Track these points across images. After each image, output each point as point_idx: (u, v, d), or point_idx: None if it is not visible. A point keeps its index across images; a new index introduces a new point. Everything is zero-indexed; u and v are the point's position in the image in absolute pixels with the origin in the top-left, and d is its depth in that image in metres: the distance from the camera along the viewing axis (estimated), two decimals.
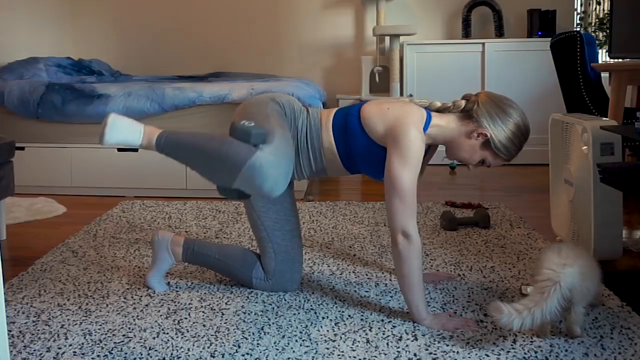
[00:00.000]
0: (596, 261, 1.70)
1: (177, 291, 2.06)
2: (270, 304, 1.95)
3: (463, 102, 1.88)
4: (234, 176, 1.70)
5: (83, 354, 1.63)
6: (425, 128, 1.84)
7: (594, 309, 1.86)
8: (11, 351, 1.65)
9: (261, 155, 1.69)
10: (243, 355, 1.61)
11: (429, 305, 1.92)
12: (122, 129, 1.81)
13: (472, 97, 1.88)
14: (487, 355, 1.59)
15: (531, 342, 1.66)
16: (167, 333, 1.75)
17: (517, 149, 1.86)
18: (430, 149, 2.03)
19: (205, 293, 2.05)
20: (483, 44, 4.61)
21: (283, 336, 1.72)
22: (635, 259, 2.37)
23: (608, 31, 3.39)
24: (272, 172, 1.69)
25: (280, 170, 1.72)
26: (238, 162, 1.69)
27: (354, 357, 1.60)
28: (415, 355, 1.60)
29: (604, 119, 2.34)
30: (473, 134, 1.83)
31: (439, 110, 1.91)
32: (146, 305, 1.95)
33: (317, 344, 1.67)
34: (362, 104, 1.93)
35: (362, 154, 1.89)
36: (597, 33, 4.59)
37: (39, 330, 1.78)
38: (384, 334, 1.72)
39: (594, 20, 4.74)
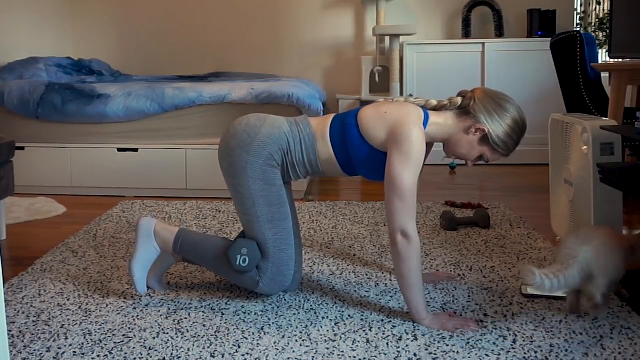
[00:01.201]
0: (618, 240, 1.81)
1: (177, 291, 2.06)
2: (270, 304, 1.95)
3: (459, 99, 1.88)
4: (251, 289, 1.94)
5: (83, 354, 1.63)
6: (424, 127, 1.84)
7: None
8: (11, 351, 1.65)
9: (262, 286, 1.90)
10: (243, 355, 1.61)
11: (429, 305, 1.92)
12: (143, 268, 1.98)
13: (468, 93, 1.89)
14: (487, 355, 1.59)
15: (531, 342, 1.66)
16: (167, 333, 1.75)
17: (515, 143, 1.87)
18: (427, 148, 2.03)
19: (205, 293, 2.05)
20: (483, 44, 4.61)
21: (283, 336, 1.72)
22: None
23: (608, 31, 3.39)
24: (276, 288, 1.91)
25: (282, 281, 1.90)
26: (248, 288, 1.93)
27: (354, 357, 1.60)
28: (415, 355, 1.60)
29: (604, 119, 2.34)
30: (471, 129, 1.84)
31: (436, 109, 1.91)
32: (146, 305, 1.95)
33: (317, 344, 1.67)
34: (357, 110, 1.91)
35: (364, 163, 1.88)
36: (597, 33, 4.59)
37: (39, 330, 1.78)
38: (384, 334, 1.72)
39: (594, 20, 4.74)
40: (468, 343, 1.66)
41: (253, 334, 1.74)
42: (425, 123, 1.85)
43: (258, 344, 1.68)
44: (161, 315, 1.87)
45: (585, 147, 2.28)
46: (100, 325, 1.81)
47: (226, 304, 1.95)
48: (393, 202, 1.74)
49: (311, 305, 1.93)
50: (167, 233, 1.98)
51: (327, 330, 1.75)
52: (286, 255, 1.89)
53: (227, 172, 1.90)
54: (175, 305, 1.94)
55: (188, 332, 1.76)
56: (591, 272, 1.73)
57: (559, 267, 1.72)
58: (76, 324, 1.82)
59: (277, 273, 1.88)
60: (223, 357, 1.61)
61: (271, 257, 1.87)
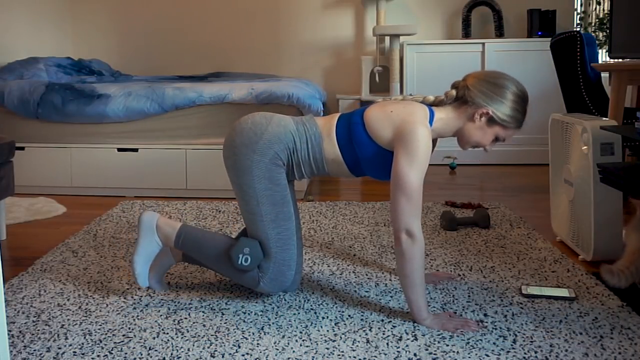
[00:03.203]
0: None
1: (177, 291, 2.06)
2: (270, 304, 1.95)
3: (454, 91, 1.89)
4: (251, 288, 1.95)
5: (83, 354, 1.63)
6: (430, 124, 1.85)
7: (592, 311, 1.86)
8: (11, 351, 1.65)
9: (263, 285, 1.90)
10: (243, 355, 1.61)
11: (429, 305, 1.92)
12: (145, 263, 1.99)
13: (460, 83, 1.89)
14: (487, 355, 1.59)
15: (531, 342, 1.66)
16: (167, 333, 1.75)
17: (523, 114, 1.86)
18: (432, 145, 2.03)
19: (205, 293, 2.05)
20: (483, 44, 4.61)
21: (283, 336, 1.72)
22: None
23: (608, 31, 3.39)
24: (276, 288, 1.91)
25: (283, 281, 1.90)
26: (248, 286, 1.94)
27: (354, 357, 1.60)
28: (415, 355, 1.60)
29: (604, 119, 2.34)
30: (475, 116, 1.84)
31: (434, 104, 1.92)
32: (146, 305, 1.95)
33: (317, 344, 1.67)
34: (363, 109, 1.91)
35: (371, 162, 1.87)
36: (597, 33, 4.59)
37: (39, 330, 1.78)
38: (384, 334, 1.72)
39: (594, 20, 4.74)
40: (468, 343, 1.66)
41: (253, 334, 1.74)
42: (431, 120, 1.85)
43: (258, 344, 1.68)
44: (161, 315, 1.87)
45: (585, 147, 2.28)
46: (100, 325, 1.81)
47: (226, 304, 1.95)
48: (399, 202, 1.74)
49: (311, 305, 1.93)
50: (169, 228, 1.99)
51: (327, 330, 1.75)
52: (288, 255, 1.89)
53: (231, 170, 1.89)
54: (175, 305, 1.94)
55: (188, 332, 1.75)
56: None
57: (630, 258, 1.90)
58: (76, 324, 1.82)
59: (278, 273, 1.88)
60: (223, 357, 1.61)
61: (273, 256, 1.88)
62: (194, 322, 1.82)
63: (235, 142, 1.87)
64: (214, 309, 1.91)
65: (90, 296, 2.03)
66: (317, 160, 1.90)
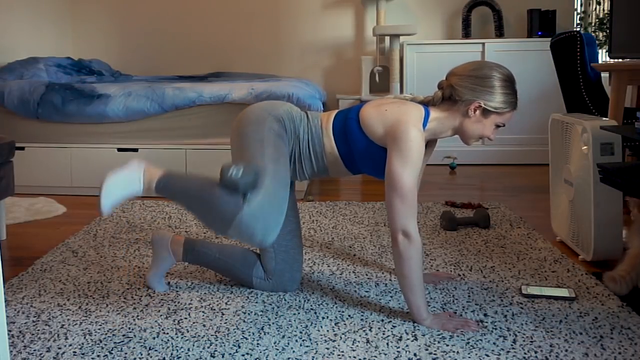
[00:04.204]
0: None
1: (177, 291, 2.06)
2: (270, 304, 1.95)
3: (440, 92, 1.89)
4: (225, 230, 1.76)
5: (83, 354, 1.63)
6: (424, 124, 1.85)
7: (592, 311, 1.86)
8: (11, 351, 1.65)
9: (247, 211, 1.72)
10: (243, 355, 1.61)
11: (429, 305, 1.92)
12: (118, 188, 1.90)
13: (444, 83, 1.90)
14: (487, 355, 1.59)
15: (531, 342, 1.66)
16: (167, 333, 1.75)
17: (514, 96, 1.86)
18: (428, 146, 2.03)
19: (205, 293, 2.05)
20: (483, 44, 4.61)
21: (283, 336, 1.72)
22: None
23: (608, 31, 3.39)
24: (259, 226, 1.73)
25: (269, 221, 1.75)
26: (226, 219, 1.74)
27: (354, 357, 1.60)
28: (415, 355, 1.60)
29: (604, 119, 2.34)
30: (469, 112, 1.84)
31: (424, 104, 1.93)
32: (146, 305, 1.95)
33: (317, 344, 1.67)
34: (360, 106, 1.93)
35: (363, 155, 1.89)
36: (597, 33, 4.59)
37: (39, 330, 1.78)
38: (384, 334, 1.72)
39: (594, 20, 4.74)
40: (468, 343, 1.66)
41: (253, 334, 1.74)
42: (425, 120, 1.85)
43: (258, 344, 1.68)
44: (161, 315, 1.87)
45: (585, 147, 2.28)
46: (100, 325, 1.81)
47: (226, 304, 1.95)
48: (394, 203, 1.75)
49: (311, 305, 1.93)
50: (153, 171, 1.95)
51: (327, 330, 1.75)
52: (282, 194, 1.81)
53: (241, 124, 1.91)
54: (175, 305, 1.94)
55: (188, 332, 1.76)
56: None
57: (631, 263, 1.93)
58: (76, 324, 1.82)
59: (265, 205, 1.75)
60: (223, 357, 1.61)
61: (265, 189, 1.77)
62: (194, 322, 1.82)
63: (250, 108, 1.96)
64: (214, 309, 1.91)
65: (90, 296, 2.03)
66: (316, 152, 1.93)
